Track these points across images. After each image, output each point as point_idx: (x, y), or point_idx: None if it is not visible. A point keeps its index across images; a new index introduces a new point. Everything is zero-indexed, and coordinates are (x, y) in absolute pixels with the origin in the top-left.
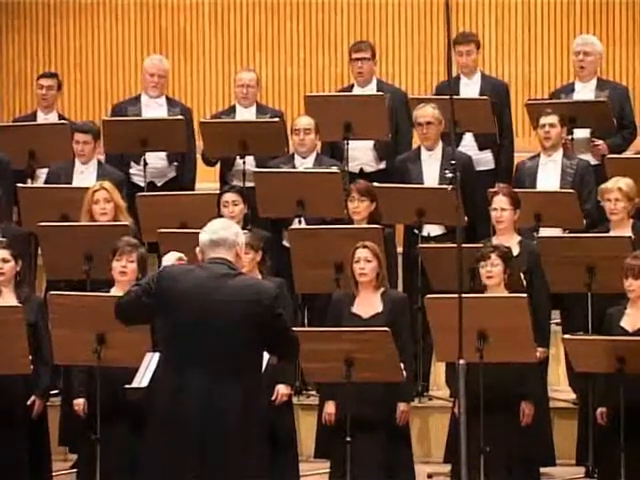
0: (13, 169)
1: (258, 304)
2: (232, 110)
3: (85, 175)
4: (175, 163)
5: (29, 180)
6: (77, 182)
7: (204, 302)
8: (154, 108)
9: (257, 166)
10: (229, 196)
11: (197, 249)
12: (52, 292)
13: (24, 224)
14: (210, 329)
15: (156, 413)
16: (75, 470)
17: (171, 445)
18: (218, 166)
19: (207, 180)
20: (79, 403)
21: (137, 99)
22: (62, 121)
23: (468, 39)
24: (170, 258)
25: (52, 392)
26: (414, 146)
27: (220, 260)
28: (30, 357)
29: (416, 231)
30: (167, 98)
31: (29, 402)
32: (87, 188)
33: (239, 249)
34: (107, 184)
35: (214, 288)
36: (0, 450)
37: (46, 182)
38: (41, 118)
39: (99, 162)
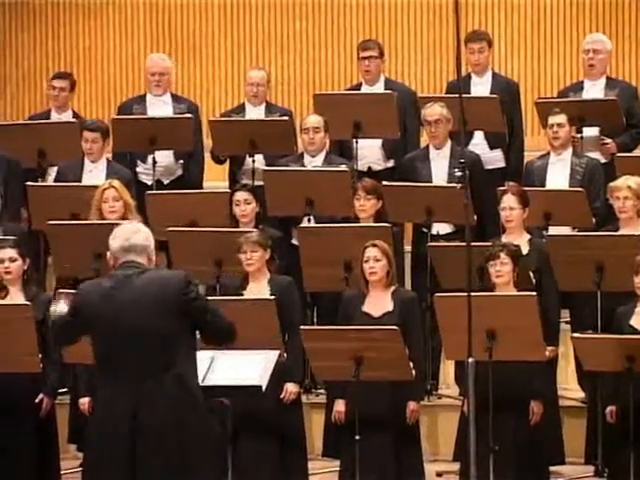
0: (23, 168)
1: (167, 293)
2: (241, 109)
3: (94, 173)
4: (181, 161)
5: (39, 178)
6: (86, 180)
7: (115, 310)
8: (159, 106)
9: (267, 165)
10: (241, 195)
11: (108, 255)
12: (61, 290)
13: (34, 222)
14: (129, 334)
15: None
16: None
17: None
18: (227, 164)
19: (216, 178)
20: (84, 402)
21: (142, 97)
22: (71, 119)
23: (480, 37)
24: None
25: (61, 390)
26: (422, 145)
27: (129, 264)
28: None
29: (425, 230)
30: (172, 95)
31: (37, 400)
32: (96, 186)
33: (150, 252)
34: (116, 182)
35: (122, 292)
36: (8, 448)
37: (55, 180)
38: (55, 117)
39: (108, 160)
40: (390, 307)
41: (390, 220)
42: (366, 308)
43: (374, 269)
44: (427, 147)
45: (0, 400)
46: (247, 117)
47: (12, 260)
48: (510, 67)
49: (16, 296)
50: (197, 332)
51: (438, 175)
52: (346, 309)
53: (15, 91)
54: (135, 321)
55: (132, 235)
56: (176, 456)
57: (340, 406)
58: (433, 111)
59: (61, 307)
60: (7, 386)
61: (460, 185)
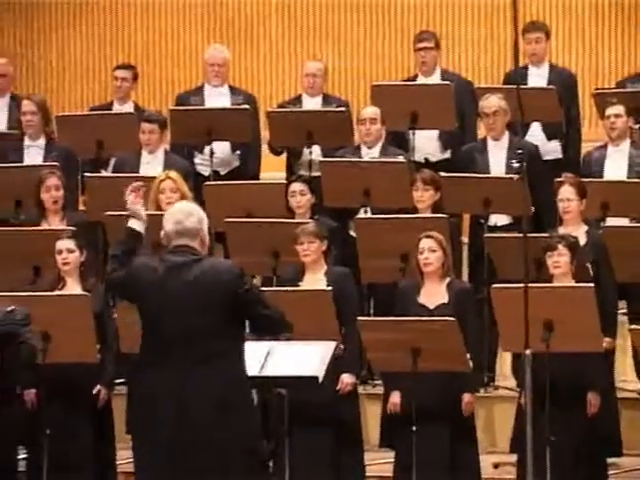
0: (82, 159)
1: (219, 285)
2: (298, 100)
3: (152, 165)
4: (238, 152)
5: (101, 169)
6: (143, 172)
7: (164, 298)
8: (217, 97)
9: (324, 156)
10: (296, 186)
11: (162, 234)
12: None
13: (90, 213)
14: (176, 323)
15: (133, 412)
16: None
17: (146, 445)
18: (284, 155)
19: (273, 169)
20: None
21: (200, 89)
22: (131, 111)
23: (537, 27)
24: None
25: (118, 381)
26: (479, 136)
27: (182, 248)
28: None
29: (482, 221)
30: (230, 86)
31: (95, 391)
32: (154, 178)
33: (203, 236)
34: (173, 174)
35: (172, 281)
36: (65, 438)
37: (113, 172)
38: (117, 108)
39: (165, 152)
40: (445, 299)
41: (447, 211)
42: (421, 299)
43: (429, 260)
44: (485, 138)
45: (57, 390)
46: (304, 108)
47: (70, 251)
48: (568, 58)
49: (73, 287)
50: (247, 323)
51: (496, 166)
52: (401, 300)
53: (74, 84)
54: (183, 311)
55: (185, 218)
56: (216, 450)
57: (395, 398)
58: (491, 102)
59: (136, 224)
60: (64, 377)
61: (517, 176)
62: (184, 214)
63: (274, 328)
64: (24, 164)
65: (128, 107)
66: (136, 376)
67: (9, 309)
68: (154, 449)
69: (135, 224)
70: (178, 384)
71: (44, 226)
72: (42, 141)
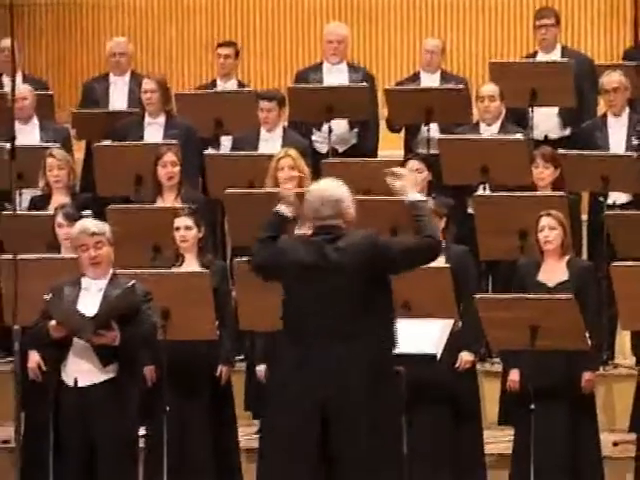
0: (200, 137)
1: (362, 258)
2: (416, 77)
3: (270, 143)
4: (356, 130)
5: (218, 146)
6: (262, 149)
7: (308, 275)
8: (335, 75)
9: (441, 133)
10: (413, 163)
11: (305, 208)
12: (238, 259)
13: (210, 191)
14: (326, 295)
15: (278, 387)
16: (260, 435)
17: (295, 417)
18: (402, 133)
19: (391, 147)
20: (261, 370)
21: (319, 66)
22: (247, 89)
23: None
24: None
25: (237, 358)
26: (599, 113)
27: (324, 227)
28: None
29: (601, 199)
30: (348, 64)
31: (217, 373)
32: (272, 155)
33: (345, 213)
34: (292, 151)
35: (316, 258)
36: (184, 415)
37: (232, 150)
38: (220, 86)
39: (284, 129)
40: (565, 276)
41: (567, 189)
42: (541, 277)
43: (549, 238)
44: (605, 115)
45: (177, 368)
46: (422, 86)
47: (188, 228)
48: None
49: (191, 264)
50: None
51: (616, 143)
52: (521, 278)
53: (187, 61)
54: (328, 287)
55: (327, 197)
56: (366, 425)
57: (514, 375)
58: (611, 79)
59: (285, 209)
60: (184, 354)
61: (637, 154)
62: (327, 193)
63: (427, 253)
64: (144, 142)
65: (232, 84)
66: (281, 353)
67: (130, 284)
68: (300, 416)
69: (284, 209)
70: (322, 362)
71: (159, 203)
72: (162, 119)
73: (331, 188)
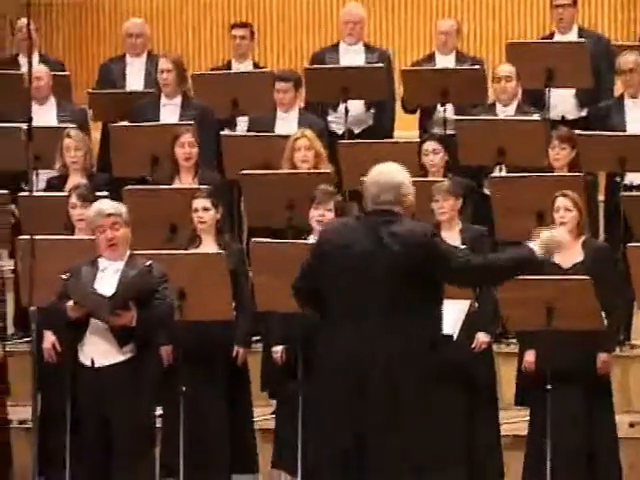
0: (216, 118)
1: (413, 246)
2: (431, 58)
3: (286, 124)
4: (372, 110)
5: (234, 127)
6: (278, 130)
7: (352, 258)
8: (352, 55)
9: (456, 114)
10: (430, 144)
11: (364, 193)
12: (254, 240)
13: (227, 172)
14: (370, 281)
15: (317, 369)
16: (276, 416)
17: (332, 397)
18: (417, 114)
19: (407, 128)
20: (277, 350)
21: (335, 47)
22: (264, 70)
23: None
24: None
25: (254, 338)
26: (616, 93)
27: (379, 211)
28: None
29: (618, 179)
30: (365, 44)
31: (234, 354)
32: (289, 136)
33: (403, 198)
34: (308, 132)
35: (370, 241)
36: (201, 396)
37: (248, 131)
38: (235, 67)
39: (300, 110)
40: (580, 257)
41: (583, 169)
42: (556, 258)
43: (564, 219)
44: (622, 96)
45: (193, 349)
46: (437, 66)
47: (206, 210)
48: None
49: (209, 245)
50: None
51: (632, 124)
52: None
53: (204, 43)
54: (378, 269)
55: (387, 175)
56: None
57: (530, 356)
58: (628, 59)
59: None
60: (200, 335)
61: None
62: (386, 178)
63: (480, 279)
64: (160, 122)
65: (247, 65)
66: (323, 336)
67: (147, 264)
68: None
69: None
70: (365, 340)
71: (176, 184)
72: (178, 99)
73: (390, 172)
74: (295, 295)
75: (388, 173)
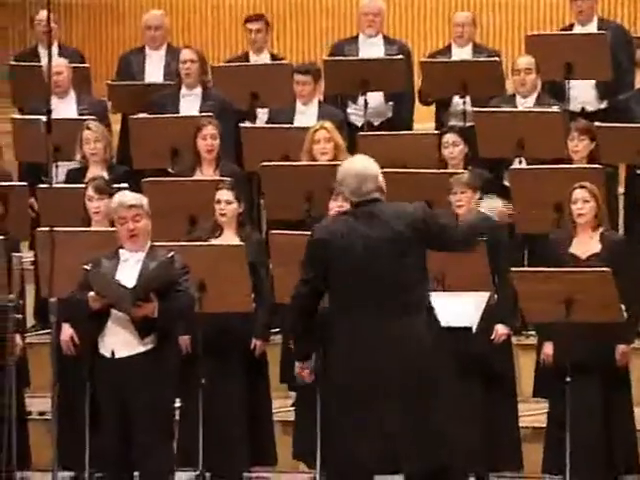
0: (236, 110)
1: (407, 226)
2: (448, 50)
3: (306, 115)
4: (391, 103)
5: (254, 119)
6: (298, 122)
7: (362, 248)
8: (371, 47)
9: (473, 106)
10: (450, 137)
11: (342, 188)
12: (273, 232)
13: (246, 164)
14: (373, 270)
15: (332, 363)
16: (295, 408)
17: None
18: (434, 106)
19: (423, 120)
20: None
21: (354, 39)
22: (283, 62)
23: None
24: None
25: (273, 330)
26: (637, 84)
27: (367, 200)
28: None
29: (638, 171)
30: (384, 36)
31: (252, 346)
32: (308, 128)
33: (380, 180)
34: (328, 124)
35: (367, 229)
36: (219, 388)
37: (268, 122)
38: (253, 59)
39: (319, 102)
40: (597, 249)
41: (603, 161)
42: (573, 250)
43: (582, 211)
44: None
45: (213, 341)
46: (453, 58)
47: (228, 202)
48: None
49: (230, 237)
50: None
51: None
52: (553, 251)
53: (222, 35)
54: (383, 254)
55: (362, 172)
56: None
57: (548, 348)
58: None
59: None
60: (219, 327)
61: None
62: (365, 171)
63: (466, 243)
64: (181, 114)
65: (264, 58)
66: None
67: (169, 255)
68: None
69: None
70: (377, 328)
71: (197, 176)
72: (198, 90)
73: (363, 164)
74: (295, 303)
75: (362, 165)
